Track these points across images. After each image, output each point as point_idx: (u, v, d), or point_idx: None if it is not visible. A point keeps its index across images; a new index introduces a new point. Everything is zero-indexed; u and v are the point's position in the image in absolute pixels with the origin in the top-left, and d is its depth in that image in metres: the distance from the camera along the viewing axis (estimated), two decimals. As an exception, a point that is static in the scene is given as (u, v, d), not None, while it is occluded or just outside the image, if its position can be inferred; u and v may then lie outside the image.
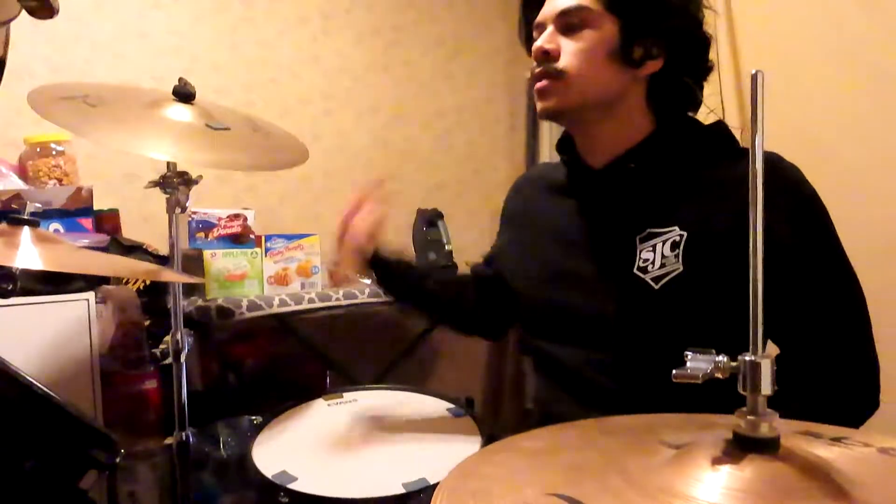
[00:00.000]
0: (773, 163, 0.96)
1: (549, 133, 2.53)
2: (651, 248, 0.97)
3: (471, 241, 2.67)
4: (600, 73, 0.99)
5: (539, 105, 1.04)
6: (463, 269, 2.33)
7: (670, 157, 1.01)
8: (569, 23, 0.99)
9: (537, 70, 1.02)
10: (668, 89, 1.01)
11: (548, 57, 1.00)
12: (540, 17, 1.04)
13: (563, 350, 1.05)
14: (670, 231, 0.96)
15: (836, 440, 0.56)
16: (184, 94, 1.18)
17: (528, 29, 1.09)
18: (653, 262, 0.96)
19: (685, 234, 0.95)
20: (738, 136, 1.05)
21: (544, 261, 1.09)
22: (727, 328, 0.88)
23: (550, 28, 1.02)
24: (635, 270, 0.97)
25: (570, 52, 0.99)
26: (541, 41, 1.01)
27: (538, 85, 1.02)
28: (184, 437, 1.27)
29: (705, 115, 1.09)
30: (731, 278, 0.88)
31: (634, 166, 1.01)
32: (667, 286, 0.94)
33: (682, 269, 0.94)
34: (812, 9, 1.67)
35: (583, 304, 1.02)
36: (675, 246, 0.95)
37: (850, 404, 0.94)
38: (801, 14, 1.69)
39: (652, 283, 0.95)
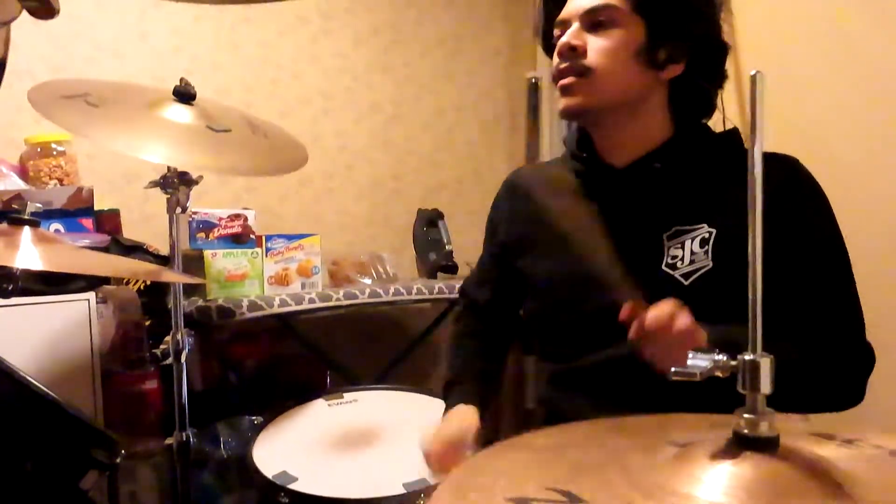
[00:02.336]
0: (794, 165, 0.98)
1: (549, 133, 2.53)
2: (679, 246, 0.97)
3: (471, 241, 2.67)
4: (625, 73, 0.98)
5: (563, 102, 1.02)
6: (463, 269, 2.34)
7: (691, 159, 1.02)
8: (596, 20, 0.99)
9: (562, 66, 1.00)
10: (688, 94, 1.02)
11: (574, 53, 0.99)
12: (564, 14, 1.02)
13: (585, 349, 1.04)
14: (699, 228, 0.97)
15: (848, 442, 0.56)
16: (184, 94, 1.18)
17: (549, 25, 1.07)
18: (682, 259, 0.96)
19: (714, 231, 0.96)
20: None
21: (565, 261, 1.07)
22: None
23: (576, 25, 1.00)
24: (664, 267, 0.97)
25: (596, 49, 0.98)
26: (567, 37, 1.00)
27: (563, 81, 1.00)
28: (184, 438, 1.27)
29: (714, 122, 1.10)
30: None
31: (660, 166, 1.01)
32: (697, 282, 0.95)
33: (711, 265, 0.94)
34: (812, 9, 1.67)
35: (610, 302, 1.00)
36: (704, 242, 0.96)
37: (835, 389, 0.95)
38: (801, 14, 1.69)
39: (681, 280, 0.96)
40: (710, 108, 1.06)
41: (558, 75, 1.01)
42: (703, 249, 0.95)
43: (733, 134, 1.06)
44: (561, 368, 1.09)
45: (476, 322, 1.26)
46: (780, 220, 0.93)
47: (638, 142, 1.03)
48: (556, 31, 1.04)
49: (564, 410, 1.07)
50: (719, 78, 1.04)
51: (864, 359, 0.97)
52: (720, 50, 1.02)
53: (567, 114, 1.03)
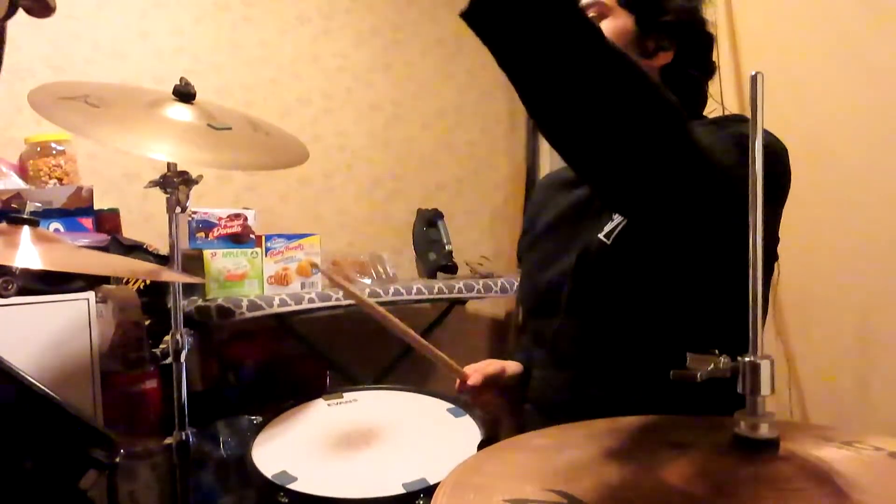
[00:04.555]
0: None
1: (550, 133, 2.53)
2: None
3: (471, 240, 2.67)
4: None
5: None
6: (463, 269, 2.34)
7: None
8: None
9: None
10: (679, 81, 1.05)
11: None
12: None
13: (539, 324, 1.11)
14: None
15: (847, 444, 0.56)
16: (185, 93, 1.18)
17: None
18: (611, 221, 1.00)
19: None
20: None
21: (543, 244, 1.14)
22: (676, 281, 0.91)
23: None
24: (600, 235, 1.01)
25: None
26: None
27: None
28: (184, 437, 1.27)
29: (710, 112, 1.11)
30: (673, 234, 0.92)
31: None
32: (616, 240, 0.98)
33: (626, 221, 0.97)
34: (812, 9, 1.67)
35: (557, 273, 1.07)
36: None
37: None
38: (801, 14, 1.69)
39: (605, 240, 0.99)
40: (701, 99, 1.10)
41: None
42: None
43: (727, 119, 1.07)
44: (527, 340, 1.16)
45: None
46: None
47: None
48: None
49: (533, 394, 1.13)
50: (708, 68, 1.08)
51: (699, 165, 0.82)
52: (705, 39, 1.07)
53: None
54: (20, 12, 0.77)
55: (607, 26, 1.02)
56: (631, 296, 0.97)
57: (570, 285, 1.03)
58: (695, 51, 1.06)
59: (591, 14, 1.03)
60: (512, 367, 1.15)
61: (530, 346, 1.16)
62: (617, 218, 0.99)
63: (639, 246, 0.96)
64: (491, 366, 1.11)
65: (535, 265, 1.14)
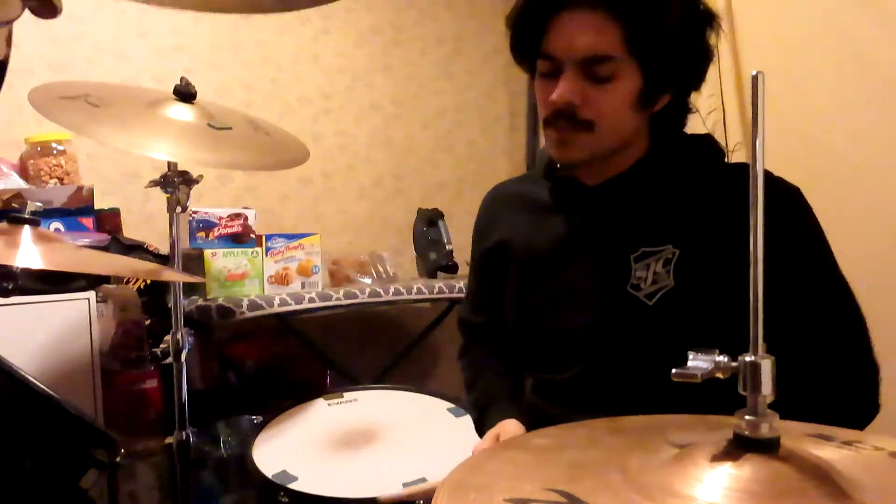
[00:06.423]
0: (771, 180, 0.93)
1: (550, 133, 2.53)
2: (645, 267, 0.96)
3: (470, 240, 2.68)
4: (626, 121, 0.96)
5: (558, 154, 0.99)
6: (463, 269, 2.34)
7: (663, 175, 1.00)
8: (597, 74, 0.93)
9: (560, 121, 0.96)
10: (671, 113, 1.00)
11: (572, 106, 0.94)
12: (558, 53, 0.95)
13: (558, 370, 1.04)
14: (664, 249, 0.96)
15: (847, 443, 0.56)
16: (185, 93, 1.18)
17: (529, 42, 1.02)
18: (645, 280, 0.95)
19: (678, 251, 0.95)
20: (727, 150, 1.04)
21: (537, 281, 1.07)
22: (721, 343, 0.88)
23: (571, 72, 0.94)
24: (628, 288, 0.96)
25: (598, 102, 0.94)
26: (565, 92, 0.94)
27: (559, 135, 0.96)
28: (184, 437, 1.27)
29: (705, 116, 1.09)
30: (722, 292, 0.89)
31: (627, 189, 1.00)
32: (660, 302, 0.94)
33: (673, 284, 0.94)
34: (812, 9, 1.67)
35: (577, 322, 1.01)
36: (667, 262, 0.95)
37: (849, 410, 0.93)
38: (801, 14, 1.69)
39: (645, 300, 0.95)
40: (686, 115, 1.03)
41: (555, 130, 0.97)
42: (666, 269, 0.95)
43: (705, 140, 1.05)
44: (538, 379, 1.10)
45: (485, 346, 1.23)
46: (772, 247, 0.91)
47: (615, 163, 1.01)
48: (544, 65, 0.98)
49: (545, 419, 1.08)
50: (700, 85, 1.01)
51: (872, 378, 0.94)
52: (705, 66, 0.99)
53: (566, 164, 1.00)
54: (24, 13, 0.77)
55: (617, 90, 0.93)
56: (674, 356, 0.92)
57: (609, 341, 0.98)
58: (695, 84, 0.99)
59: (602, 74, 0.92)
60: (509, 428, 1.05)
61: (531, 396, 1.10)
62: (650, 275, 0.95)
63: (683, 312, 0.93)
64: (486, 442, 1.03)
65: (544, 304, 1.05)
